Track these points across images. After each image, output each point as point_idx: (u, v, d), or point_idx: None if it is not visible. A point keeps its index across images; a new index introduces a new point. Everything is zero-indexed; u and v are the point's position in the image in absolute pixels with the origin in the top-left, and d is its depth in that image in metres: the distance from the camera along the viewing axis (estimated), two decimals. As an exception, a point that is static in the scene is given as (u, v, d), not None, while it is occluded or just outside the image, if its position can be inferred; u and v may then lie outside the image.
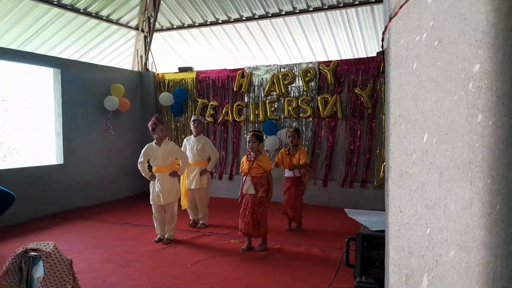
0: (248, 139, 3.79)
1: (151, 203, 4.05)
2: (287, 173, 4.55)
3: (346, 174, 5.85)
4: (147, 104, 7.49)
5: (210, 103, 6.84)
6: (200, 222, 4.76)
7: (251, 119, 6.51)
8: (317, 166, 6.10)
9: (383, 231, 1.52)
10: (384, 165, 5.65)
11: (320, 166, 6.09)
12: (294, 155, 4.48)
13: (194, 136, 4.73)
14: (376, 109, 5.65)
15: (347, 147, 5.87)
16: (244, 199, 3.77)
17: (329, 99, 5.85)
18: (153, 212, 4.07)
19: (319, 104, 5.93)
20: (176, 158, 4.13)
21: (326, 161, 6.01)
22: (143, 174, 4.04)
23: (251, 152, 3.82)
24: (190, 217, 4.88)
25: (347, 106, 5.85)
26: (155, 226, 4.13)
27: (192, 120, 4.77)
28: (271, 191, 3.77)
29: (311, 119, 6.12)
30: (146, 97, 7.51)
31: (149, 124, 3.95)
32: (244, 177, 3.79)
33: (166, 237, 4.09)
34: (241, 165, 3.90)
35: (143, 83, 7.47)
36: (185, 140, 4.91)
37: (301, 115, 6.12)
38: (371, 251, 1.60)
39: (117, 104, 6.37)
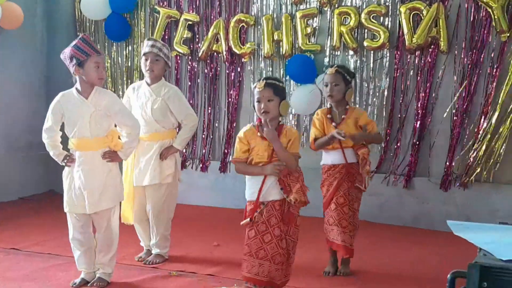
0: (256, 95, 3.75)
1: (65, 210, 4.14)
2: (330, 158, 4.59)
3: (449, 165, 5.94)
4: (56, 16, 7.50)
5: (183, 17, 6.89)
6: (155, 253, 4.85)
7: (266, 51, 6.56)
8: (397, 149, 6.17)
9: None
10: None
11: (403, 148, 6.15)
12: (346, 123, 4.51)
13: (147, 82, 4.78)
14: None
15: (458, 111, 5.90)
16: (257, 215, 3.76)
17: (424, 11, 5.85)
18: (70, 229, 4.16)
19: (403, 21, 5.95)
20: (116, 125, 4.18)
21: (415, 139, 6.07)
22: (50, 153, 4.11)
23: (263, 120, 3.80)
24: (142, 243, 5.00)
25: (460, 27, 5.85)
26: (78, 255, 4.23)
27: (144, 49, 4.75)
28: (304, 190, 3.80)
29: (386, 51, 6.14)
30: (54, 2, 7.50)
31: (69, 51, 3.94)
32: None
33: (97, 276, 4.22)
34: (237, 148, 3.83)
35: (49, -26, 7.48)
36: (128, 89, 4.94)
37: (366, 44, 6.16)
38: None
39: (-1, 15, 6.43)
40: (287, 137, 3.74)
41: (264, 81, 3.76)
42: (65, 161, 4.05)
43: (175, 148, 4.76)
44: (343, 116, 4.53)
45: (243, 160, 3.78)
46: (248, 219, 3.73)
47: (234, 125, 6.83)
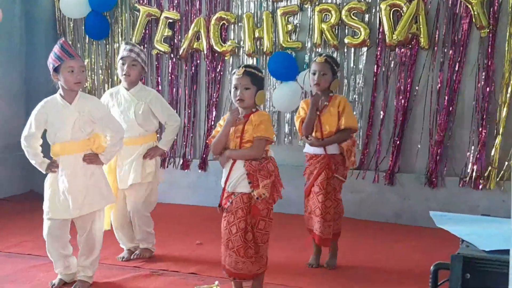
0: (234, 82, 3.78)
1: (46, 217, 4.07)
2: (312, 147, 4.63)
3: (435, 162, 5.97)
4: (35, 16, 7.45)
5: (164, 15, 6.87)
6: (142, 247, 4.87)
7: (247, 49, 6.56)
8: (378, 146, 6.20)
9: (506, 251, 1.57)
10: None
11: (385, 145, 6.19)
12: (328, 111, 4.55)
13: (125, 87, 4.77)
14: (498, 30, 5.69)
15: (439, 106, 5.94)
16: (229, 205, 3.82)
17: (404, 8, 5.88)
18: (46, 234, 4.08)
19: (384, 18, 5.97)
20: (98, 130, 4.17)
21: (396, 136, 6.10)
22: (32, 162, 4.06)
23: (240, 109, 3.83)
24: (122, 245, 4.97)
25: (440, 24, 5.89)
26: (54, 261, 4.20)
27: (122, 53, 4.75)
28: (277, 185, 3.83)
29: (365, 49, 6.17)
30: (33, 1, 7.46)
31: (49, 60, 3.97)
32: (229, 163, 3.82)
33: (79, 278, 4.18)
34: (216, 130, 3.88)
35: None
36: (105, 95, 4.90)
37: (346, 41, 6.17)
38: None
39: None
40: (254, 122, 3.74)
41: (244, 68, 3.78)
42: (50, 168, 4.02)
43: (160, 149, 4.80)
44: (325, 103, 4.57)
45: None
46: (218, 205, 3.84)
47: (215, 123, 6.80)
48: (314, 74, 4.55)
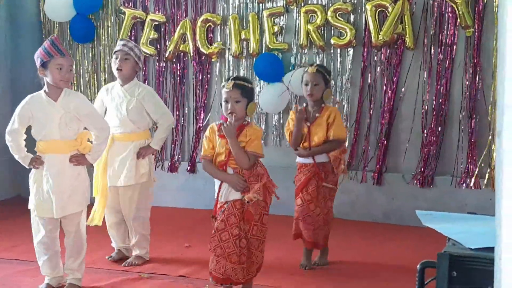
0: (224, 95, 3.77)
1: (33, 214, 4.09)
2: (302, 158, 4.66)
3: (424, 161, 6.00)
4: (21, 19, 7.42)
5: (149, 17, 6.84)
6: (135, 254, 4.85)
7: (234, 50, 6.56)
8: (366, 147, 6.22)
9: (491, 249, 1.57)
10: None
11: (372, 146, 6.22)
12: (317, 122, 4.56)
13: (120, 83, 4.77)
14: (483, 30, 5.72)
15: (426, 107, 5.97)
16: (221, 213, 3.81)
17: (389, 8, 5.90)
18: (34, 230, 4.10)
19: (369, 18, 5.99)
20: (85, 128, 4.17)
21: (383, 137, 6.12)
22: (16, 157, 4.06)
23: (228, 121, 3.78)
24: (113, 244, 4.96)
25: (426, 24, 5.92)
26: (43, 261, 4.19)
27: (115, 48, 4.79)
28: (269, 187, 3.85)
29: (351, 49, 6.19)
30: (18, 4, 7.42)
31: (37, 52, 3.98)
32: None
33: (68, 282, 4.19)
34: (204, 146, 3.88)
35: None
36: (101, 90, 4.94)
37: (332, 42, 6.18)
38: (467, 285, 1.67)
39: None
40: (248, 136, 3.74)
41: (233, 81, 3.75)
42: (34, 163, 4.01)
43: (152, 148, 4.79)
44: (317, 115, 4.57)
45: (209, 157, 3.84)
46: (212, 216, 3.86)
47: (203, 125, 6.80)
48: (306, 85, 4.56)
